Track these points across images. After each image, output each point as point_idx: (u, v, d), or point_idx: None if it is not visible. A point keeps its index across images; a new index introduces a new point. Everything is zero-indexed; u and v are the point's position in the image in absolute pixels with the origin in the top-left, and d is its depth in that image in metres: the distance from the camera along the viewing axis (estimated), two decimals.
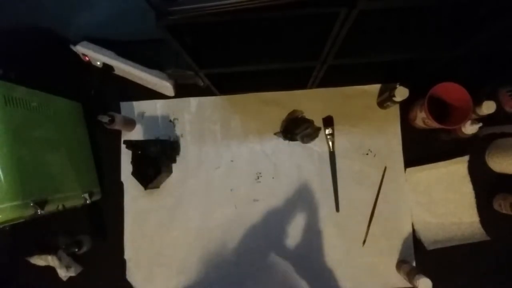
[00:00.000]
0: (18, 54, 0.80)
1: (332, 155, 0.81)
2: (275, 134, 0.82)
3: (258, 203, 0.81)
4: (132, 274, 0.80)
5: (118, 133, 0.83)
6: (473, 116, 0.71)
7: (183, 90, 0.83)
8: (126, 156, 0.81)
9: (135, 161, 0.77)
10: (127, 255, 0.80)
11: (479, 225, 0.77)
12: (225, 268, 0.79)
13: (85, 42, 0.81)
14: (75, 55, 0.82)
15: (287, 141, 0.81)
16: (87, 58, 0.81)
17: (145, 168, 0.76)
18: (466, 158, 0.77)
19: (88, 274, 0.80)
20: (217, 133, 0.83)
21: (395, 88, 0.70)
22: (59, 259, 0.76)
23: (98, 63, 0.81)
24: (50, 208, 0.64)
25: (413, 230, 0.78)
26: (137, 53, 0.81)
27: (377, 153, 0.81)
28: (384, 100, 0.77)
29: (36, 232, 0.80)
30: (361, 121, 0.81)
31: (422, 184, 0.79)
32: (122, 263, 0.80)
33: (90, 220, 0.82)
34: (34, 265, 0.77)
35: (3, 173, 0.56)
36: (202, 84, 0.81)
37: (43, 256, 0.77)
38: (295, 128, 0.78)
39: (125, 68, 0.80)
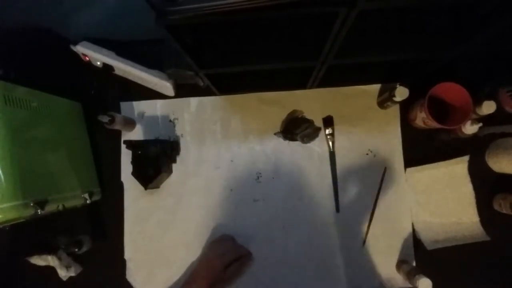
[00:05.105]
0: (18, 54, 0.81)
1: (332, 155, 0.81)
2: (275, 134, 0.82)
3: (258, 203, 0.81)
4: (132, 274, 0.80)
5: (118, 133, 0.83)
6: (473, 116, 0.71)
7: (183, 90, 0.83)
8: (126, 156, 0.81)
9: (135, 161, 0.77)
10: (127, 255, 0.80)
11: (479, 225, 0.77)
12: None
13: (85, 42, 0.81)
14: (75, 55, 0.82)
15: (287, 141, 0.81)
16: (87, 58, 0.81)
17: (145, 168, 0.76)
18: (466, 158, 0.77)
19: (88, 274, 0.79)
20: (217, 133, 0.83)
21: (395, 88, 0.70)
22: (59, 259, 0.76)
23: (98, 63, 0.81)
24: (50, 208, 0.64)
25: (413, 230, 0.78)
26: (137, 53, 0.81)
27: (377, 153, 0.81)
28: (384, 100, 0.77)
29: (36, 232, 0.80)
30: (361, 121, 0.81)
31: (422, 184, 0.79)
32: (122, 263, 0.80)
33: (90, 220, 0.82)
34: (34, 265, 0.77)
35: (3, 173, 0.56)
36: (202, 84, 0.81)
37: (43, 256, 0.77)
38: (295, 128, 0.78)
39: (125, 68, 0.80)
